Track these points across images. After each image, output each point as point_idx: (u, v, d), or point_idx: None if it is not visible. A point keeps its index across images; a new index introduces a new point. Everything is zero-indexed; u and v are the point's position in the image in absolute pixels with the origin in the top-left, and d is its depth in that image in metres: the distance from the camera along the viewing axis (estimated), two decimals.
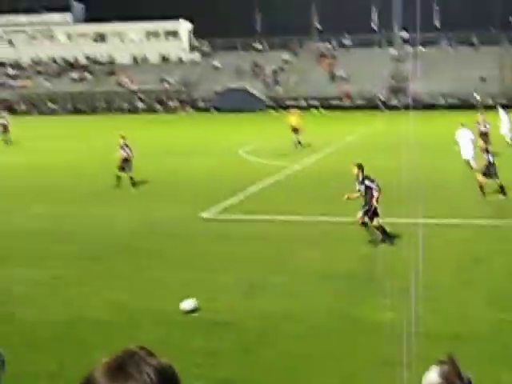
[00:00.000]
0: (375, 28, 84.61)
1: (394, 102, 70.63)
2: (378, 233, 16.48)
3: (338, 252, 16.00)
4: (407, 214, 17.60)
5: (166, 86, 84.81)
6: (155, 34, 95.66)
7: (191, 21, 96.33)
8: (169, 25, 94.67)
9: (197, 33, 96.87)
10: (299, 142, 36.86)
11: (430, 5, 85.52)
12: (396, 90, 73.54)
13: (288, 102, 75.00)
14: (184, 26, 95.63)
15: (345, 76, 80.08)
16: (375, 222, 16.29)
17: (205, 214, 20.09)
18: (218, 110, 74.63)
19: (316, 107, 73.73)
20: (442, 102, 68.67)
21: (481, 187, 21.82)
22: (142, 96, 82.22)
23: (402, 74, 76.58)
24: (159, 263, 15.18)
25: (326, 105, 73.90)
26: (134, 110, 79.35)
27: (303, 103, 74.52)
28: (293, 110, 40.42)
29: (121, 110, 79.89)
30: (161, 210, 20.83)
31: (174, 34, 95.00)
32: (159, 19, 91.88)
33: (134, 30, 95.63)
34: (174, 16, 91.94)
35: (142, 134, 44.36)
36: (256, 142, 40.69)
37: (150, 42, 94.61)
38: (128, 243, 17.03)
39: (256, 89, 78.98)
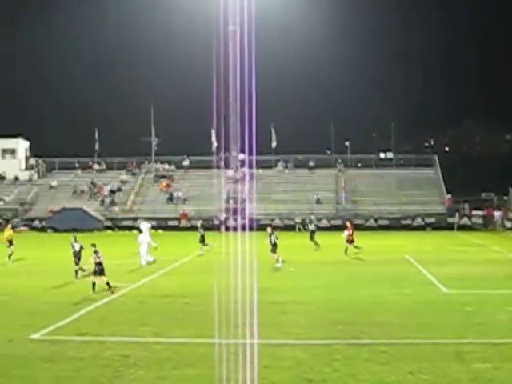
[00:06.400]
0: (213, 150, 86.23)
1: (231, 222, 71.25)
2: None
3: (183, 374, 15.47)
4: (238, 334, 17.99)
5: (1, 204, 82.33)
6: None
7: (28, 139, 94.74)
8: (6, 143, 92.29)
9: (34, 151, 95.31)
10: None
11: (267, 129, 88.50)
12: (233, 211, 74.33)
13: (125, 223, 74.55)
14: (22, 145, 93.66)
15: (182, 197, 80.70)
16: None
17: (35, 336, 19.37)
18: (54, 230, 72.49)
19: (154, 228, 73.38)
20: (278, 222, 70.06)
21: None
22: None
23: (238, 195, 77.97)
24: None
25: (164, 225, 73.53)
26: None
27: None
28: None
29: None
30: None
31: (12, 152, 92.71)
32: None
33: None
34: (11, 134, 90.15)
35: None
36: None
37: None
38: None
39: (93, 209, 77.89)
